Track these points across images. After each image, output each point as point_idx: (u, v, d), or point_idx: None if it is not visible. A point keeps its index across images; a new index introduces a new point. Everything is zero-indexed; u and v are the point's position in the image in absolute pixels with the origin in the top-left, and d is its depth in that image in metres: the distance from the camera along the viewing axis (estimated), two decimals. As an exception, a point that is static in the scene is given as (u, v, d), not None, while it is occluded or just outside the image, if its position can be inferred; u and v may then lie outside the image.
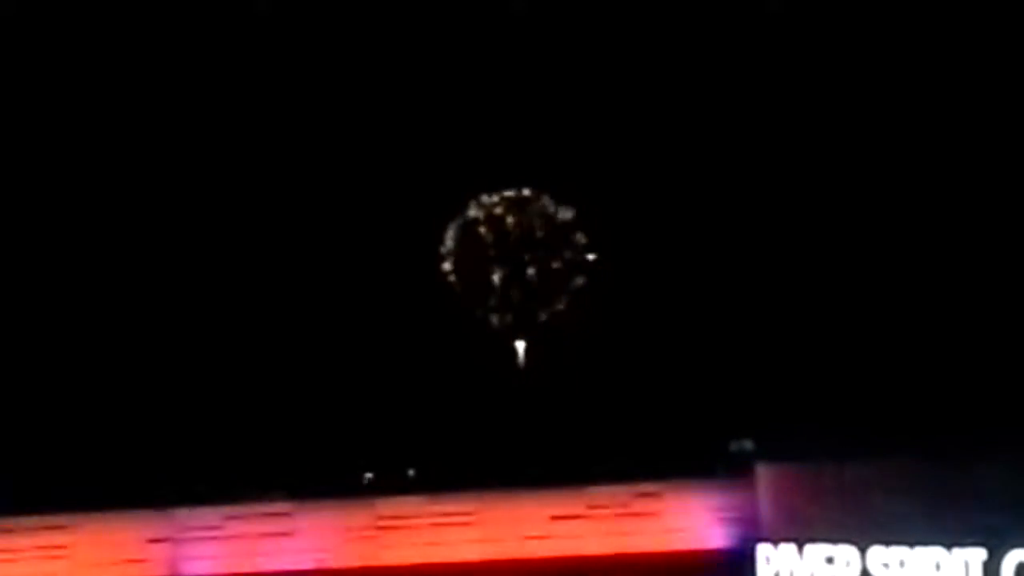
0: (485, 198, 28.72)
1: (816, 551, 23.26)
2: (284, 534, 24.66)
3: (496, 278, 28.28)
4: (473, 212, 28.75)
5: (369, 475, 27.41)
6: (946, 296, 26.15)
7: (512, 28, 27.94)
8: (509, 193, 28.70)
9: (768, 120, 27.96)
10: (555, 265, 28.56)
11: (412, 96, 28.42)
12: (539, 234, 28.62)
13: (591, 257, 28.52)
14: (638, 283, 28.23)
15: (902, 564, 22.26)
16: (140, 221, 28.06)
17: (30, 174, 27.64)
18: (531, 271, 28.40)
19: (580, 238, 28.72)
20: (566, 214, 28.72)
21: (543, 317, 28.32)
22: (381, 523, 24.77)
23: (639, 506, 25.17)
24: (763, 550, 23.91)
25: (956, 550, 21.77)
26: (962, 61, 27.15)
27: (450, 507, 24.86)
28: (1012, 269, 26.41)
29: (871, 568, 22.51)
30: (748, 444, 26.12)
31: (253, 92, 28.11)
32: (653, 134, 28.12)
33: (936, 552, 21.95)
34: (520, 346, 28.53)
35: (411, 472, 27.22)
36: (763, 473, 24.67)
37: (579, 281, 28.57)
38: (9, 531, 24.33)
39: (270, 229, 28.04)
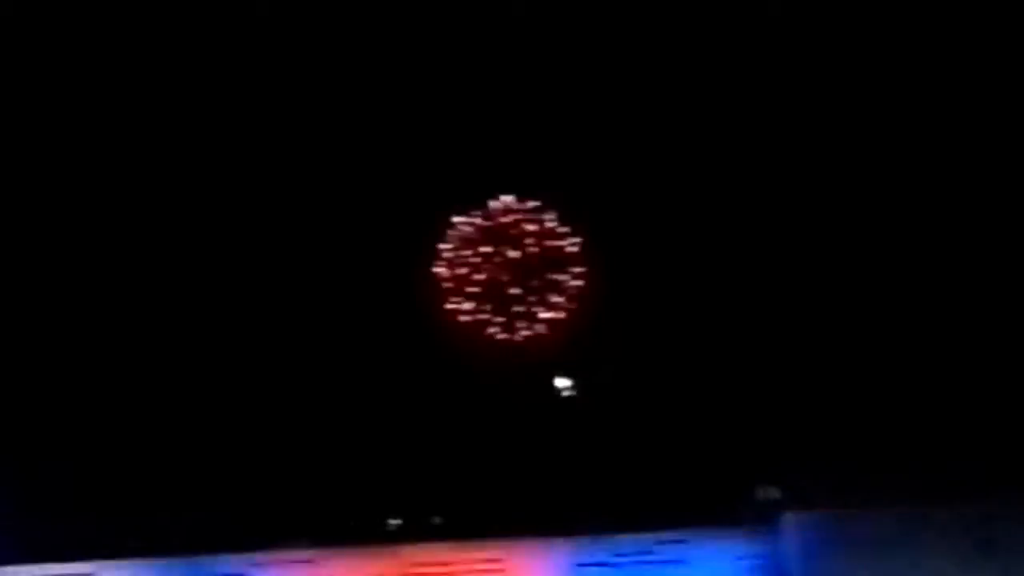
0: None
1: (842, 599, 23.25)
2: (310, 581, 24.68)
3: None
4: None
5: (394, 522, 27.36)
6: (977, 341, 26.11)
7: (511, 31, 28.01)
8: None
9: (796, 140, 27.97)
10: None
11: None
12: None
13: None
14: (660, 329, 28.19)
15: (928, 612, 22.28)
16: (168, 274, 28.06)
17: (30, 174, 27.65)
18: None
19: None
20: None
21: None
22: (407, 570, 24.73)
23: (664, 553, 25.12)
24: (789, 598, 23.92)
25: (984, 599, 21.77)
26: (962, 62, 27.22)
27: (477, 554, 24.83)
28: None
29: (897, 616, 22.53)
30: (774, 491, 26.00)
31: (252, 92, 28.12)
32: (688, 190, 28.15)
33: (963, 601, 21.94)
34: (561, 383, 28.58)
35: (437, 519, 27.15)
36: (789, 520, 24.64)
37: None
38: (33, 579, 24.41)
39: (295, 261, 28.05)
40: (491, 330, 28.40)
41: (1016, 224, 27.18)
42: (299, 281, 27.91)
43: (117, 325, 27.71)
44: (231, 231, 28.08)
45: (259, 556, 24.63)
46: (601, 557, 25.04)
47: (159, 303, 27.75)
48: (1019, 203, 27.07)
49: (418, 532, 26.47)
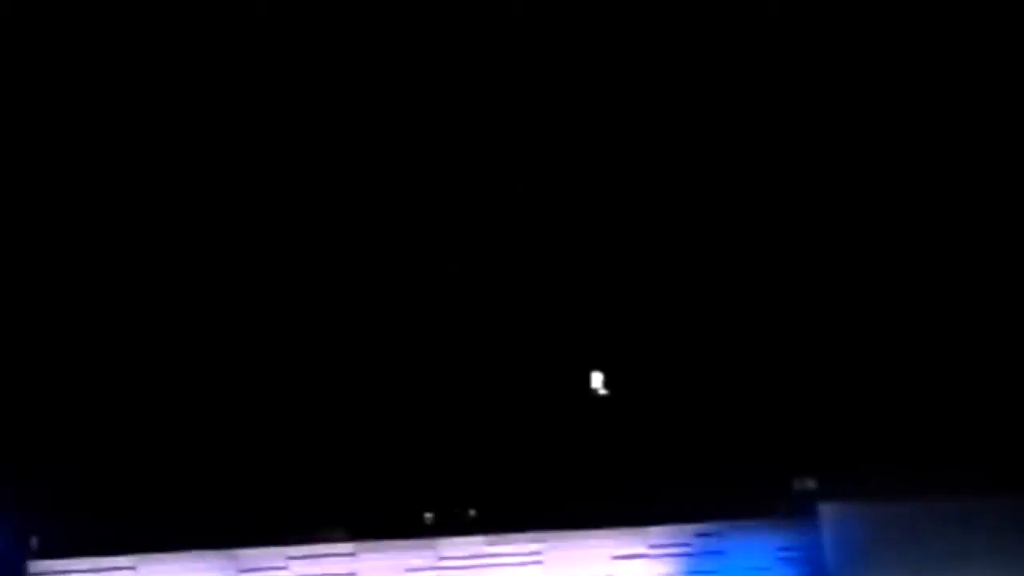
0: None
1: (881, 591, 23.16)
2: (347, 575, 24.74)
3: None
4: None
5: (429, 515, 27.41)
6: (1013, 333, 26.03)
7: (512, 31, 27.99)
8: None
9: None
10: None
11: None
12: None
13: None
14: (695, 320, 28.17)
15: (969, 604, 22.16)
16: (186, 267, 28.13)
17: (29, 174, 27.74)
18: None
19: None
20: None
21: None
22: (443, 563, 24.82)
23: (701, 545, 25.10)
24: (827, 590, 23.84)
25: (1026, 590, 21.65)
26: (963, 63, 27.12)
27: (512, 547, 24.87)
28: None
29: (937, 609, 22.43)
30: (811, 482, 25.90)
31: (253, 92, 28.16)
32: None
33: (1004, 592, 21.83)
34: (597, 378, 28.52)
35: (472, 512, 27.19)
36: (827, 512, 24.55)
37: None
38: (71, 572, 24.50)
39: (319, 255, 28.12)
40: (523, 324, 28.43)
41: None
42: (323, 274, 27.97)
43: (150, 321, 27.84)
44: (250, 234, 28.15)
45: (296, 549, 24.78)
46: (639, 549, 25.07)
47: (188, 293, 27.85)
48: None
49: (454, 525, 26.50)
